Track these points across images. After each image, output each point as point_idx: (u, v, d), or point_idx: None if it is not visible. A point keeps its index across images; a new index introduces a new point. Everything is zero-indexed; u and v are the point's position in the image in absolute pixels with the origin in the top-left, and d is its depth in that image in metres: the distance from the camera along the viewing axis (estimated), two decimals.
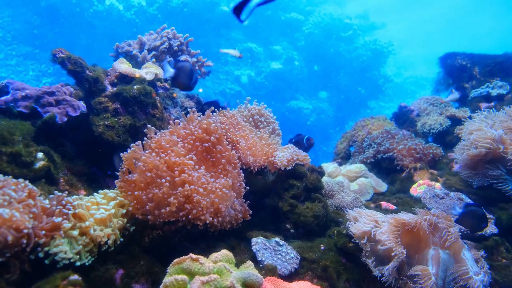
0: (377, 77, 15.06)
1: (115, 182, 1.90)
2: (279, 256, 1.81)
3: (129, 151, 1.91)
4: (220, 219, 1.80)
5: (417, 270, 1.68)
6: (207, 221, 1.75)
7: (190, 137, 2.02)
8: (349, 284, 1.84)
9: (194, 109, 2.19)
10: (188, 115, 2.16)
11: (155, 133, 2.02)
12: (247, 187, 2.10)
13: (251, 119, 2.55)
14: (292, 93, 13.93)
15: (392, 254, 1.67)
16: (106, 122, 2.28)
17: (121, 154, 1.90)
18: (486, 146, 2.31)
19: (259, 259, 1.76)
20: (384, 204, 2.71)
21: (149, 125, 2.05)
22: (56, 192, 1.62)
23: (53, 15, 11.75)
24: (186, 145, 1.98)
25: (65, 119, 2.17)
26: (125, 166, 1.89)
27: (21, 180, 1.51)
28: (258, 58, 13.80)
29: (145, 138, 1.96)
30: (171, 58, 2.76)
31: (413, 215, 1.86)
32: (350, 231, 1.90)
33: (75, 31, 12.03)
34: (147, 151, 1.87)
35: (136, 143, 1.93)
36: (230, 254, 1.61)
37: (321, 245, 1.95)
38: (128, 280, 1.57)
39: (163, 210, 1.72)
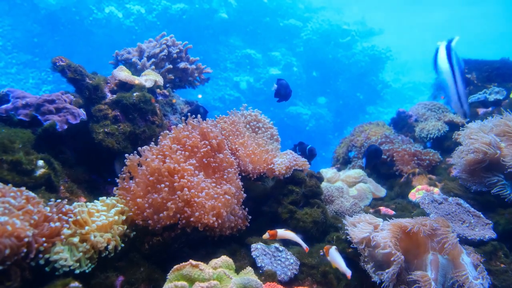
0: (375, 83, 15.13)
1: (114, 189, 1.92)
2: (279, 262, 1.81)
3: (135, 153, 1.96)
4: (220, 222, 1.81)
5: (416, 276, 1.68)
6: (210, 222, 1.76)
7: (187, 144, 2.04)
8: None
9: (193, 116, 2.22)
10: (187, 120, 2.19)
11: (156, 140, 2.05)
12: (245, 194, 2.11)
13: (248, 126, 2.57)
14: (291, 98, 13.94)
15: (391, 259, 1.67)
16: (106, 130, 2.30)
17: (127, 155, 1.95)
18: (483, 152, 2.32)
19: (259, 265, 1.76)
20: (383, 209, 2.72)
21: (166, 131, 2.12)
22: (51, 199, 1.63)
23: (53, 24, 11.82)
24: (185, 152, 2.00)
25: (65, 126, 2.19)
26: (129, 169, 1.91)
27: (22, 188, 1.52)
28: (257, 64, 13.87)
29: (151, 143, 2.01)
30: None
31: (411, 219, 1.87)
32: (349, 237, 1.91)
33: (75, 39, 12.08)
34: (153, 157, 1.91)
35: (145, 147, 1.98)
36: (229, 260, 1.62)
37: (321, 250, 1.95)
38: (128, 287, 1.58)
39: (161, 215, 1.74)
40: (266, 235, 1.87)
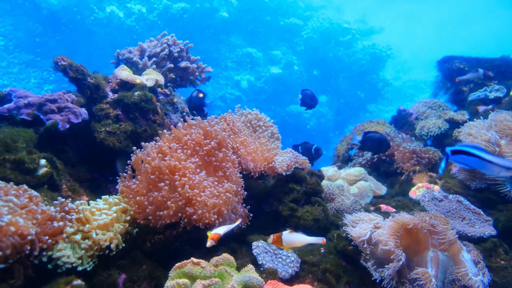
0: (376, 81, 15.10)
1: (117, 187, 1.93)
2: (280, 260, 1.83)
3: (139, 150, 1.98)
4: (221, 220, 1.82)
5: (417, 273, 1.69)
6: (212, 220, 1.77)
7: (190, 142, 2.05)
8: (349, 287, 1.85)
9: (191, 116, 2.24)
10: (186, 117, 2.21)
11: (156, 139, 2.06)
12: (246, 192, 2.12)
13: (248, 124, 2.58)
14: (292, 97, 13.93)
15: (392, 256, 1.68)
16: (107, 129, 2.31)
17: (134, 148, 1.97)
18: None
19: (260, 262, 1.77)
20: (383, 207, 2.72)
21: (164, 130, 2.13)
22: (59, 198, 1.65)
23: (55, 23, 11.83)
24: (186, 151, 2.01)
25: (67, 126, 2.20)
26: (133, 164, 1.93)
27: (24, 186, 1.54)
28: (257, 63, 13.85)
29: (153, 142, 2.03)
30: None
31: (411, 215, 1.88)
32: (350, 235, 1.92)
33: (76, 38, 12.10)
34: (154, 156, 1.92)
35: (151, 143, 2.00)
36: (231, 258, 1.62)
37: (321, 248, 1.96)
38: (131, 284, 1.59)
39: (161, 213, 1.75)
40: (210, 243, 1.53)
